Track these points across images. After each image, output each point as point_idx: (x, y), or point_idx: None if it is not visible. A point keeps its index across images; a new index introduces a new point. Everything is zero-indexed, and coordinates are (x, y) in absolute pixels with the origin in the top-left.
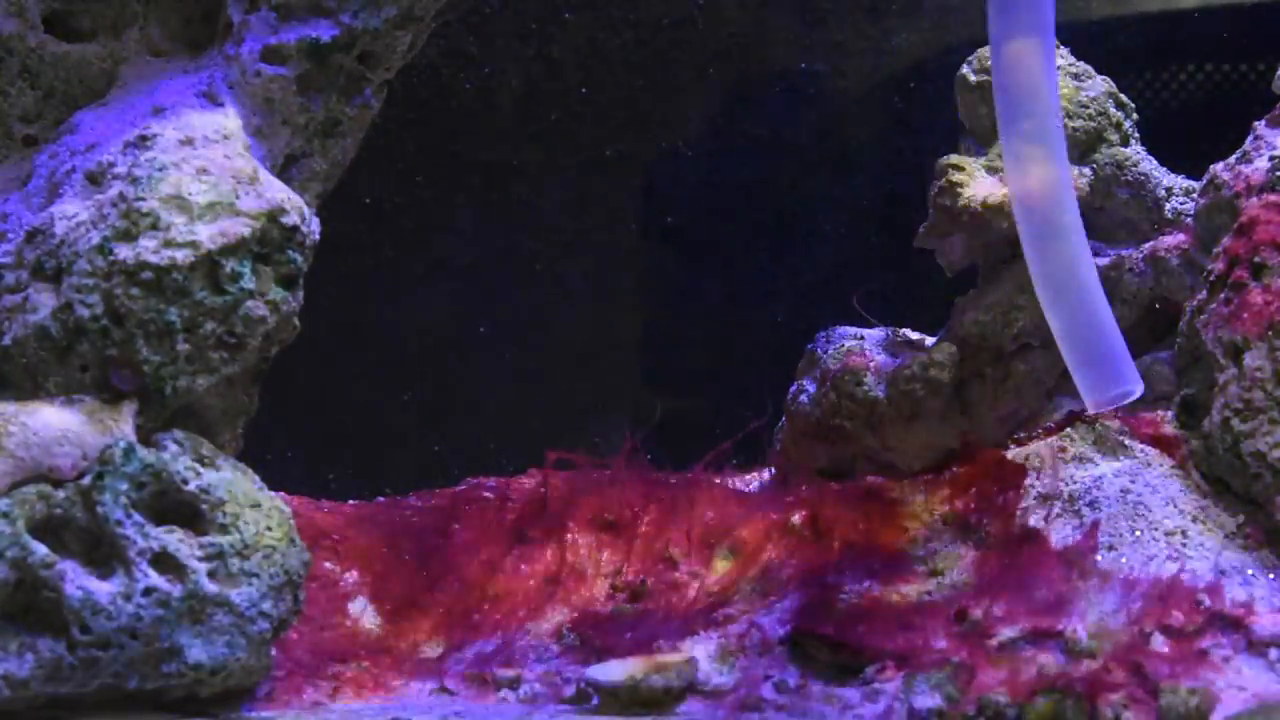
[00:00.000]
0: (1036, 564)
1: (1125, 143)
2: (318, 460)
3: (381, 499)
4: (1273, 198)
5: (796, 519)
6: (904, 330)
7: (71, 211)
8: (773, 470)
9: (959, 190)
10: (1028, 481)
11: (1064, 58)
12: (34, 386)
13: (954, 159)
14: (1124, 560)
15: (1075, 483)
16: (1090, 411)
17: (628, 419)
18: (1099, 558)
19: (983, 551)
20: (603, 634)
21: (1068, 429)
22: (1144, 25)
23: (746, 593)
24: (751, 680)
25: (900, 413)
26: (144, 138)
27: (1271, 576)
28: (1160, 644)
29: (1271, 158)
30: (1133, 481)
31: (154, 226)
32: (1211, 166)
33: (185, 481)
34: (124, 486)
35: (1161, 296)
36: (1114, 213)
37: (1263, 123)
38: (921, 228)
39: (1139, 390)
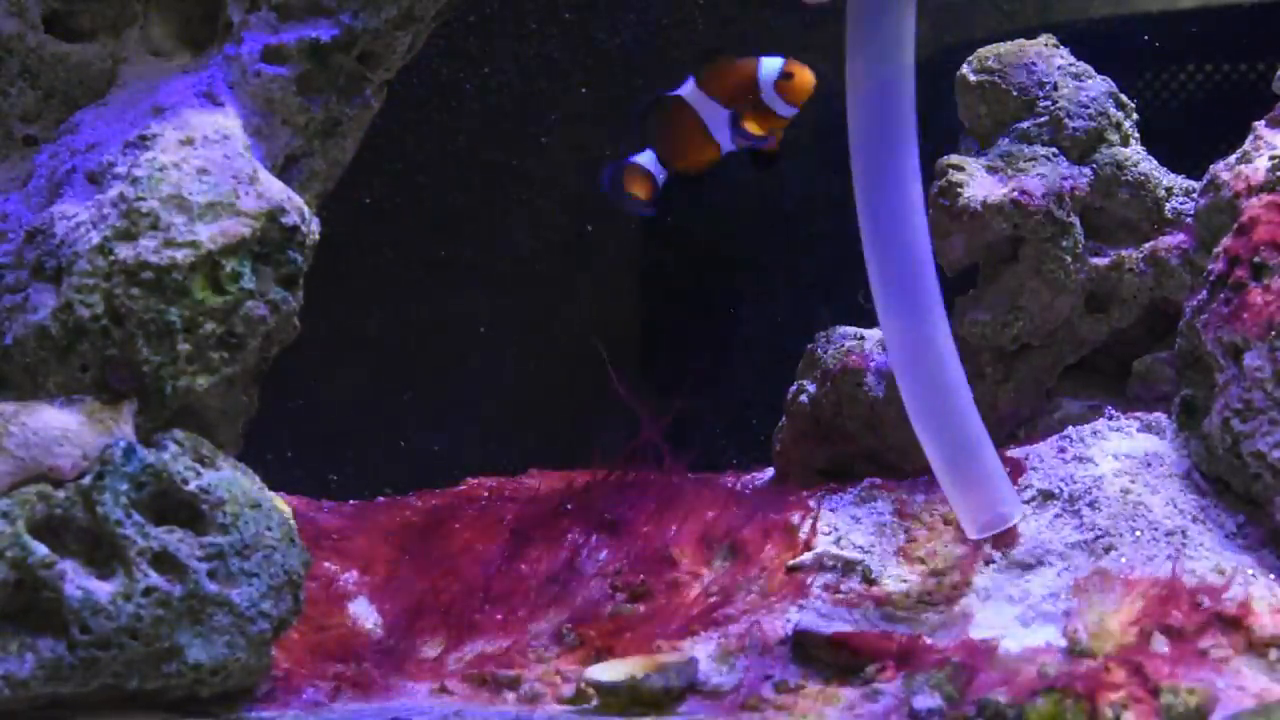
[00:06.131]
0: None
1: (1125, 143)
2: (318, 460)
3: (381, 499)
4: (1272, 198)
5: (796, 519)
6: None
7: (72, 211)
8: (773, 470)
9: (959, 190)
10: (1027, 481)
11: (1064, 57)
12: (34, 386)
13: (954, 159)
14: (1124, 560)
15: (1075, 483)
16: (972, 538)
17: (628, 419)
18: (1099, 558)
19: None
20: (603, 634)
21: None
22: (1144, 25)
23: (746, 593)
24: (751, 680)
25: (900, 413)
26: (144, 138)
27: (1271, 576)
28: (1160, 644)
29: (1271, 158)
30: (1133, 481)
31: (154, 226)
32: (1211, 166)
33: (185, 481)
34: (124, 486)
35: (1162, 296)
36: (1114, 213)
37: (1263, 123)
38: None
39: (1017, 515)
